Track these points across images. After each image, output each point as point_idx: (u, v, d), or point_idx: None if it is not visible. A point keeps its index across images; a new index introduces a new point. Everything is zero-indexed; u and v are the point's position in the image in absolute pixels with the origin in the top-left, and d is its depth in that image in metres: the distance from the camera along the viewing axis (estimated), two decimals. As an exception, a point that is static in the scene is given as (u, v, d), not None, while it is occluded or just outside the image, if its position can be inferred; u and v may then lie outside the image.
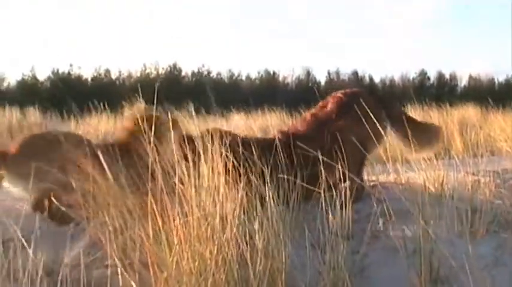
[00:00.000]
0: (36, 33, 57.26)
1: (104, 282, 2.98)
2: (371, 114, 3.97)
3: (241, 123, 11.31)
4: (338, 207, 3.30)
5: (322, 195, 3.25)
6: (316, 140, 4.08)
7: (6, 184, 4.04)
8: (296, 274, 2.95)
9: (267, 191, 3.03)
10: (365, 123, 3.99)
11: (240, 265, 2.80)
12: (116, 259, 2.95)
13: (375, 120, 3.93)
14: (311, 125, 4.40)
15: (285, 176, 3.59)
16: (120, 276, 2.83)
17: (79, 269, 2.88)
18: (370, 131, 3.97)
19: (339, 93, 4.52)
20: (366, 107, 4.07)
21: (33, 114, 13.15)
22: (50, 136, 4.38)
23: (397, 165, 4.46)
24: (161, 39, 57.77)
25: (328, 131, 4.18)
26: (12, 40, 53.09)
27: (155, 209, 2.82)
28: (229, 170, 3.18)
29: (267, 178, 3.22)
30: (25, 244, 2.72)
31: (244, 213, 2.98)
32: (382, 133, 4.17)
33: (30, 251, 2.59)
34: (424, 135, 4.57)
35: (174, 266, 2.72)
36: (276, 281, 2.83)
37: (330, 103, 4.45)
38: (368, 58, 61.30)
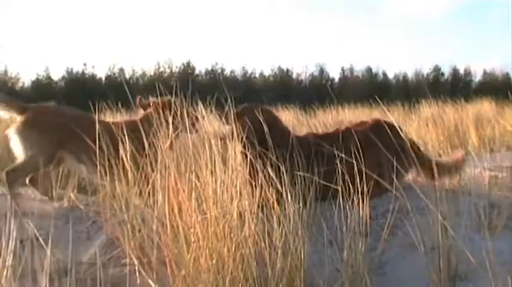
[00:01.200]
0: (48, 32, 57.51)
1: (121, 281, 2.99)
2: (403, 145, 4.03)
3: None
4: (356, 204, 3.29)
5: (340, 192, 3.24)
6: (343, 141, 4.07)
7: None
8: (314, 272, 2.94)
9: (283, 188, 3.03)
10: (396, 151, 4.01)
11: (258, 262, 2.80)
12: (134, 258, 2.96)
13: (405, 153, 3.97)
14: (341, 130, 4.40)
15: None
16: (137, 274, 2.84)
17: (96, 268, 2.89)
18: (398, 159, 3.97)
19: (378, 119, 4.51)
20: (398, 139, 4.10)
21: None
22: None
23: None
24: (171, 34, 57.84)
25: (357, 137, 4.13)
26: (25, 40, 53.35)
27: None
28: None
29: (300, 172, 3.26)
30: (42, 243, 2.73)
31: (262, 210, 2.98)
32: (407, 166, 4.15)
33: (48, 251, 2.59)
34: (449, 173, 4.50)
35: (192, 264, 2.72)
36: (295, 278, 2.82)
37: (369, 123, 4.42)
38: (380, 54, 60.99)
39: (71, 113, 4.45)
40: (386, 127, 4.14)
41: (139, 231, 3.15)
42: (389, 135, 4.02)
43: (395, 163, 3.90)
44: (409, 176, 4.36)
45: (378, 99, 5.33)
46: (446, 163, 4.44)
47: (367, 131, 4.23)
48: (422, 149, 4.60)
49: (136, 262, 2.90)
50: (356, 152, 3.79)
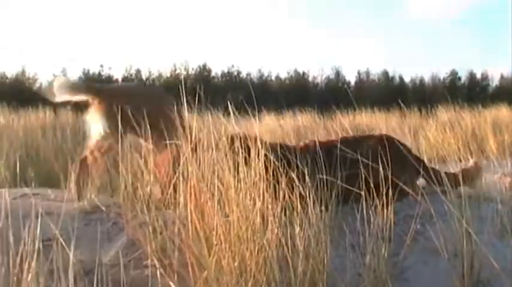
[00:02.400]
0: (65, 33, 57.70)
1: (142, 282, 2.99)
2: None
3: (273, 124, 11.26)
4: (379, 208, 3.27)
5: (363, 196, 3.22)
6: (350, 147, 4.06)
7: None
8: (336, 276, 2.93)
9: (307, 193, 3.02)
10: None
11: (281, 266, 2.79)
12: (155, 259, 2.96)
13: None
14: (347, 137, 4.43)
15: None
16: (159, 276, 2.83)
17: (117, 269, 2.89)
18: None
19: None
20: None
21: (66, 115, 13.20)
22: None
23: (433, 165, 4.41)
24: (187, 36, 57.89)
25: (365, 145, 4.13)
26: (43, 41, 53.69)
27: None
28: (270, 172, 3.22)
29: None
30: (64, 244, 2.73)
31: (285, 214, 2.97)
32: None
33: (71, 252, 2.59)
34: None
35: (213, 266, 2.72)
36: (317, 282, 2.81)
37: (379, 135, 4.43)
38: (397, 57, 60.65)
39: None
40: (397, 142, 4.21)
41: (160, 233, 3.15)
42: (405, 146, 4.09)
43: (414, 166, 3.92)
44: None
45: (399, 103, 5.32)
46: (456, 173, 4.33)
47: (380, 138, 4.23)
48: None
49: (157, 264, 2.90)
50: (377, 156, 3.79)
